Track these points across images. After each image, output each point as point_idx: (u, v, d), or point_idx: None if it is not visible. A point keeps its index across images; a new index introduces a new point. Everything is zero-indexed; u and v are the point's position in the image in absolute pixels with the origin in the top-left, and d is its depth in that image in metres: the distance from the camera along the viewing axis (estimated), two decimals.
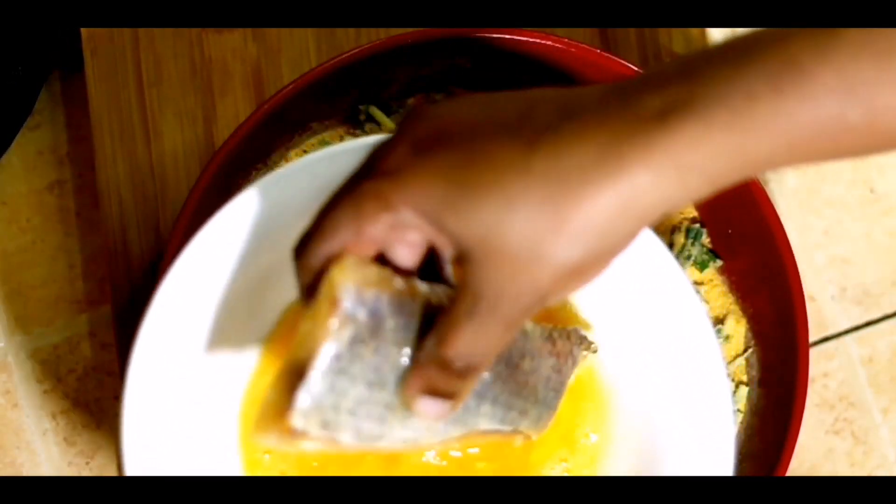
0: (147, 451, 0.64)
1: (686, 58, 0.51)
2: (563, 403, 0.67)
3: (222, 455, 0.68)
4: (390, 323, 0.54)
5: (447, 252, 0.53)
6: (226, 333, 0.67)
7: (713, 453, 0.68)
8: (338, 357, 0.53)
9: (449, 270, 0.56)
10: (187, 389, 0.66)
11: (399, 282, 0.54)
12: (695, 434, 0.69)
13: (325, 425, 0.54)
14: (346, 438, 0.55)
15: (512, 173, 0.50)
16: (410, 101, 0.76)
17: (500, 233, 0.50)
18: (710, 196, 0.50)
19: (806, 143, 0.49)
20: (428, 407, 0.54)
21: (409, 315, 0.54)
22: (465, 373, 0.54)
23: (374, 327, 0.54)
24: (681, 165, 0.49)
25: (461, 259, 0.52)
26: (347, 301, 0.53)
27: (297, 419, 0.53)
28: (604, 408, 0.71)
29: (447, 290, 0.56)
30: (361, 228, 0.52)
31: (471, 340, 0.52)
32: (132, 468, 0.63)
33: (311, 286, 0.54)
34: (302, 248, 0.54)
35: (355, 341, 0.54)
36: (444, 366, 0.53)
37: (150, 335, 0.64)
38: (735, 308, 0.76)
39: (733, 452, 0.67)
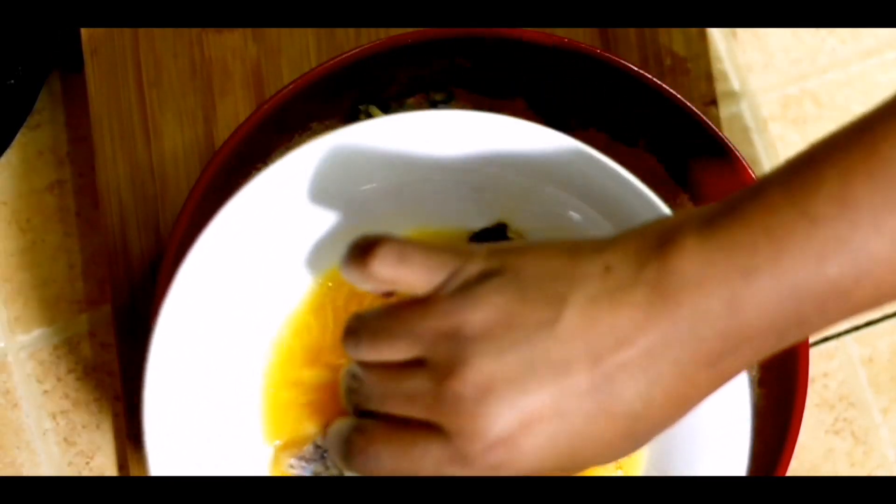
0: (169, 447, 0.65)
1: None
2: None
3: (244, 448, 0.69)
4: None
5: None
6: (243, 323, 0.67)
7: (729, 450, 0.68)
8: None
9: None
10: (208, 375, 0.66)
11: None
12: (711, 430, 0.68)
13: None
14: None
15: (621, 448, 0.57)
16: (410, 100, 0.76)
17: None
18: None
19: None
20: None
21: None
22: None
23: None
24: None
25: None
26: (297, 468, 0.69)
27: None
28: None
29: None
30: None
31: None
32: (156, 465, 0.64)
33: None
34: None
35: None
36: None
37: (169, 325, 0.64)
38: None
39: (749, 447, 0.67)
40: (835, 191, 0.51)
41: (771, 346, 0.54)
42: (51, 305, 0.80)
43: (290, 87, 0.71)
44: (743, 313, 0.53)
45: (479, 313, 0.55)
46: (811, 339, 0.79)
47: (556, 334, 0.54)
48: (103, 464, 0.80)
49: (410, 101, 0.76)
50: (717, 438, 0.68)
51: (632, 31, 0.81)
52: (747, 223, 0.53)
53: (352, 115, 0.76)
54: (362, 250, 0.57)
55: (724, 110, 0.83)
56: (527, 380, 0.54)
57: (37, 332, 0.80)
